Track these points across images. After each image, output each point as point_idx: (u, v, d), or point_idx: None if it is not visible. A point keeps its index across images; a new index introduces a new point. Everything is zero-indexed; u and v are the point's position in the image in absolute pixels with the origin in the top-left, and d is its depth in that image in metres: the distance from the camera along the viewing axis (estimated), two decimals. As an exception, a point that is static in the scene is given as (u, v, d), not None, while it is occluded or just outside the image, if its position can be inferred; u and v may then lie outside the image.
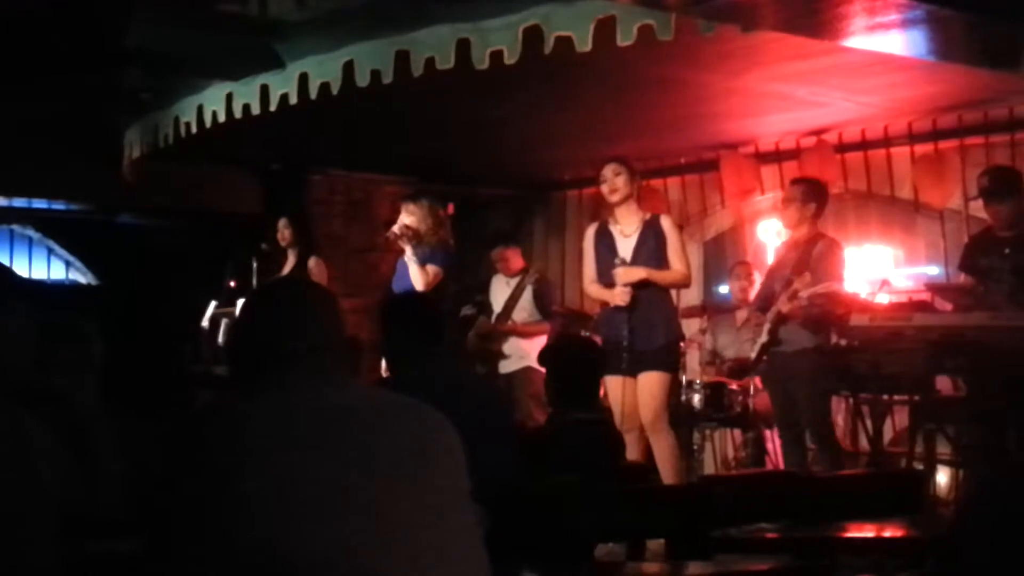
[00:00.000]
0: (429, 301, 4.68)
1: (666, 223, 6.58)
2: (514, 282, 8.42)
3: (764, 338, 6.76)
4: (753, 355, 6.95)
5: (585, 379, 5.13)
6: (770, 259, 8.28)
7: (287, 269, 8.40)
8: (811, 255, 6.71)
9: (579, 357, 5.25)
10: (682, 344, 7.17)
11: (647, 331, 6.29)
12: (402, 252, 7.51)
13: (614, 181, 6.53)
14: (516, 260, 8.61)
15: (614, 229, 6.62)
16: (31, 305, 2.68)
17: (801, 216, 6.84)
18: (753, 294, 8.41)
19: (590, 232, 6.80)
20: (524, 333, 8.32)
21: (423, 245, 7.44)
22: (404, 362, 4.50)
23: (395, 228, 7.52)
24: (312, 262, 8.42)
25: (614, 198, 6.57)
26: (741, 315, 8.33)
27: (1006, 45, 5.54)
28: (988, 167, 6.82)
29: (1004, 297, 6.11)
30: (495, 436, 4.13)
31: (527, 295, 8.40)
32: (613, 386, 6.44)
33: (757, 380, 7.76)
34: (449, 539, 2.21)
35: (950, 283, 6.66)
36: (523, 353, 8.26)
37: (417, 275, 7.35)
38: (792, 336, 6.62)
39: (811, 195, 6.88)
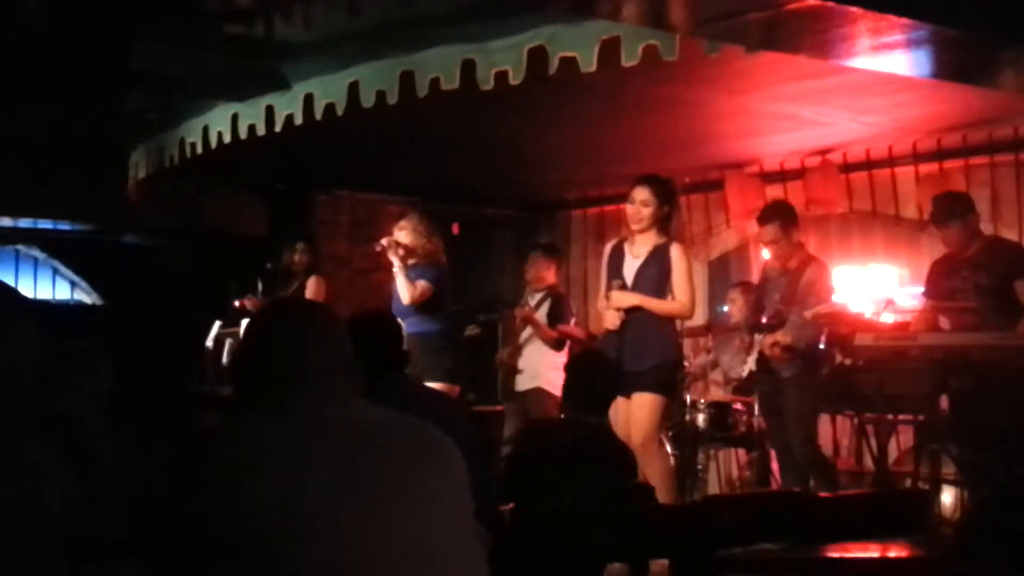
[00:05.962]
0: (384, 324, 4.51)
1: (675, 252, 6.27)
2: (536, 299, 8.40)
3: (752, 367, 6.96)
4: (744, 376, 7.11)
5: (598, 388, 5.31)
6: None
7: (293, 289, 8.41)
8: (800, 283, 6.80)
9: (596, 367, 5.49)
10: (686, 365, 7.20)
11: (636, 353, 6.17)
12: (391, 267, 7.48)
13: (641, 211, 6.29)
14: (549, 273, 8.51)
15: (627, 249, 6.41)
16: (36, 324, 2.68)
17: (791, 249, 6.92)
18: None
19: (607, 248, 6.61)
20: (539, 328, 8.25)
21: (417, 263, 7.43)
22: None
23: (383, 240, 7.49)
24: (311, 280, 8.42)
25: (635, 227, 6.34)
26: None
27: (1011, 66, 5.54)
28: (936, 195, 6.86)
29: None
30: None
31: (542, 312, 8.37)
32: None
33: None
34: (452, 558, 2.21)
35: (954, 303, 6.65)
36: (535, 372, 8.24)
37: (404, 289, 7.33)
38: (780, 364, 6.82)
39: (790, 223, 6.95)
